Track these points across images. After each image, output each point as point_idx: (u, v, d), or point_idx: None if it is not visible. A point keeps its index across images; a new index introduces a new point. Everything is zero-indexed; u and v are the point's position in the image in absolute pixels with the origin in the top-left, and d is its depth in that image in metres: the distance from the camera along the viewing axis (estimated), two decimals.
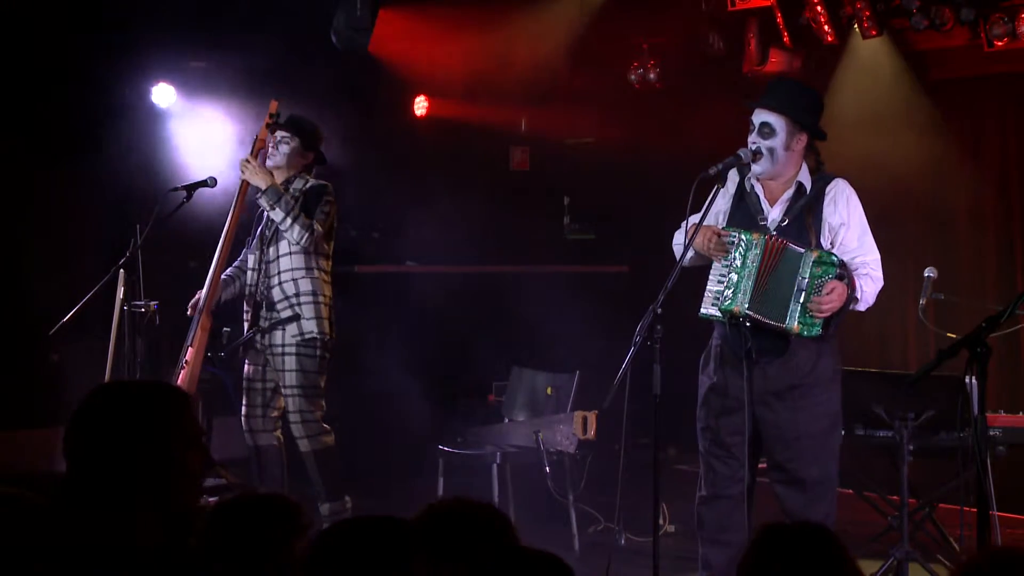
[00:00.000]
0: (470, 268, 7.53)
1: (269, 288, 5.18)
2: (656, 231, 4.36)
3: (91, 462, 2.31)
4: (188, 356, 5.08)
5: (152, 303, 5.15)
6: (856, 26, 6.85)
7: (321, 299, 5.19)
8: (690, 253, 4.06)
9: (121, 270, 5.10)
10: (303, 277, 5.16)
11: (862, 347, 6.67)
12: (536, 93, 7.60)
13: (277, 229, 5.16)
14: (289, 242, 5.13)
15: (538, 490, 5.44)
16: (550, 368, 5.85)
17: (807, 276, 3.94)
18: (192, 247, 6.35)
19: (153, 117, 6.63)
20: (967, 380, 3.48)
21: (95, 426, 2.34)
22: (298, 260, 5.16)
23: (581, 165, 8.22)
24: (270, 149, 5.24)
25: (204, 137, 6.29)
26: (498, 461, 5.42)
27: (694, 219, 4.10)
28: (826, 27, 6.88)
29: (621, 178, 7.90)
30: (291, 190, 5.21)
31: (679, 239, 4.24)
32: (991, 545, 2.99)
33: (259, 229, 5.29)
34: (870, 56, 7.08)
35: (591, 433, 5.33)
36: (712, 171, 4.05)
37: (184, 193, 5.23)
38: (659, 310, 3.81)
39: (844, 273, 3.99)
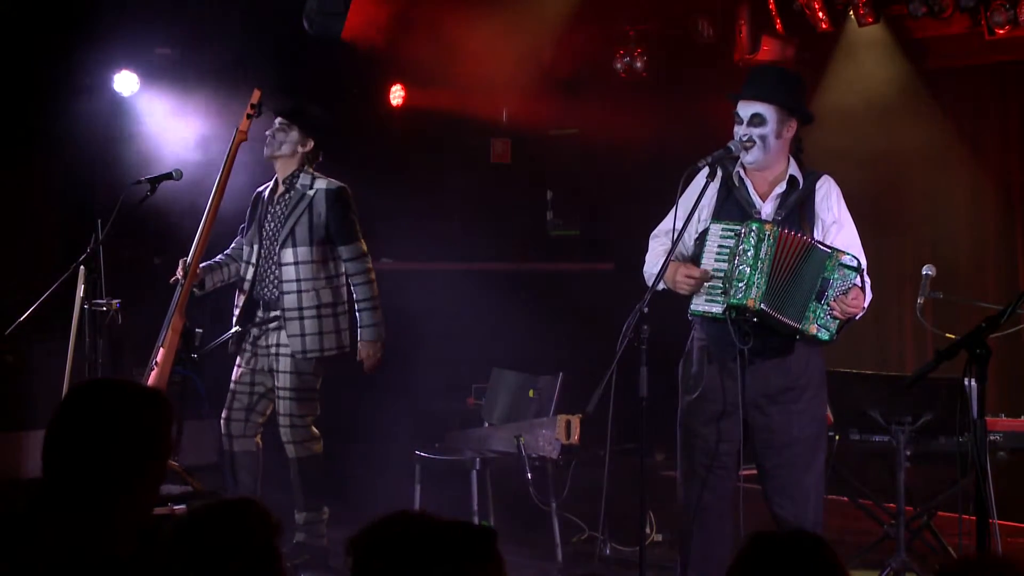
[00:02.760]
0: (448, 265, 7.49)
1: (281, 293, 5.04)
2: (643, 227, 4.29)
3: (74, 464, 2.29)
4: (159, 357, 4.99)
5: (114, 301, 5.03)
6: (852, 13, 6.83)
7: (340, 309, 5.09)
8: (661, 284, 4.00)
9: (81, 267, 5.00)
10: (324, 288, 5.05)
11: (857, 348, 6.66)
12: (518, 82, 7.56)
13: (294, 232, 5.03)
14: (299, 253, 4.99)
15: (519, 497, 5.35)
16: (532, 370, 5.77)
17: (832, 278, 3.90)
18: (156, 243, 6.30)
19: (115, 106, 6.53)
20: (966, 382, 3.40)
21: (80, 426, 2.31)
22: (314, 269, 5.03)
23: (565, 157, 8.19)
24: (267, 138, 5.10)
25: (169, 127, 6.15)
26: (478, 467, 5.33)
27: (670, 224, 4.06)
28: (820, 14, 6.86)
29: (607, 171, 7.91)
30: (297, 187, 5.09)
31: (654, 247, 4.17)
32: (976, 551, 2.88)
33: (260, 221, 5.13)
34: (866, 44, 7.05)
35: (575, 438, 5.26)
36: (701, 164, 3.98)
37: (148, 186, 5.12)
38: (646, 310, 3.76)
39: (862, 279, 3.95)
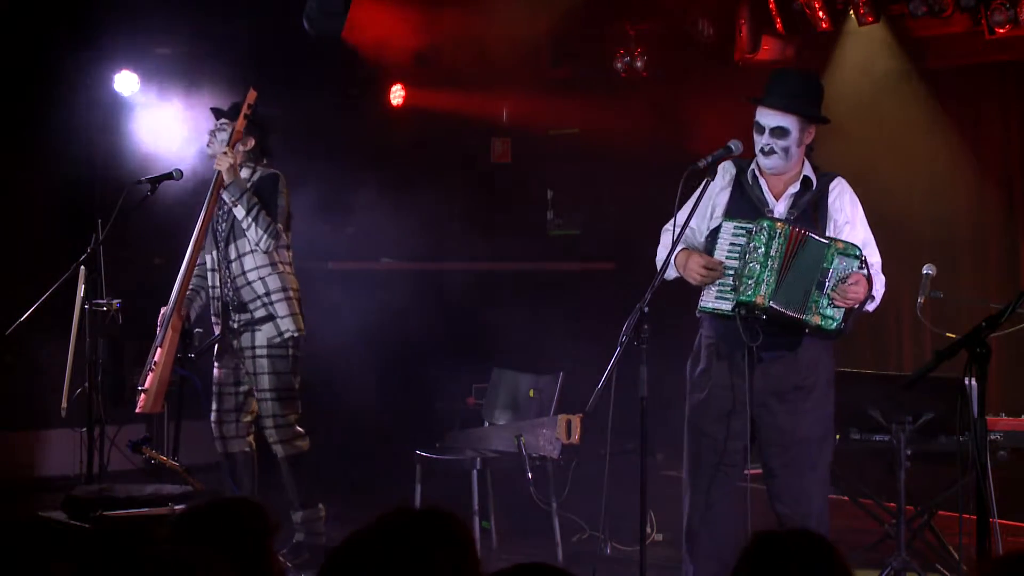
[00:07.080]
0: (448, 265, 7.48)
1: (237, 289, 5.09)
2: (644, 226, 4.26)
3: None
4: (157, 357, 5.00)
5: (114, 301, 5.07)
6: (852, 12, 6.80)
7: (291, 294, 5.12)
8: (671, 271, 3.98)
9: (82, 267, 5.01)
10: (270, 274, 5.09)
11: (857, 347, 6.60)
12: (518, 82, 7.55)
13: (234, 226, 5.08)
14: (249, 241, 5.01)
15: (520, 497, 5.35)
16: (532, 369, 5.77)
17: (832, 267, 3.88)
18: (156, 243, 6.30)
19: (116, 106, 6.52)
20: (966, 382, 3.42)
21: None
22: (262, 257, 5.09)
23: (565, 157, 8.17)
24: (208, 139, 5.15)
25: (169, 128, 6.14)
26: (478, 467, 5.34)
27: (681, 218, 4.01)
28: (821, 13, 6.84)
29: (607, 171, 7.87)
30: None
31: (666, 241, 4.13)
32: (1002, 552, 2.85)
33: (213, 228, 5.18)
34: (866, 43, 7.01)
35: (575, 437, 5.26)
36: (701, 164, 3.96)
37: (148, 186, 5.15)
38: (646, 309, 3.73)
39: (865, 267, 3.92)
